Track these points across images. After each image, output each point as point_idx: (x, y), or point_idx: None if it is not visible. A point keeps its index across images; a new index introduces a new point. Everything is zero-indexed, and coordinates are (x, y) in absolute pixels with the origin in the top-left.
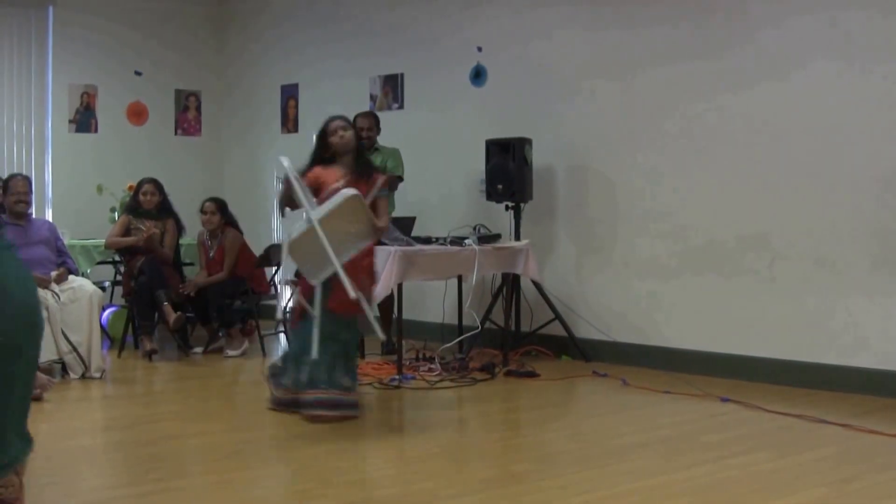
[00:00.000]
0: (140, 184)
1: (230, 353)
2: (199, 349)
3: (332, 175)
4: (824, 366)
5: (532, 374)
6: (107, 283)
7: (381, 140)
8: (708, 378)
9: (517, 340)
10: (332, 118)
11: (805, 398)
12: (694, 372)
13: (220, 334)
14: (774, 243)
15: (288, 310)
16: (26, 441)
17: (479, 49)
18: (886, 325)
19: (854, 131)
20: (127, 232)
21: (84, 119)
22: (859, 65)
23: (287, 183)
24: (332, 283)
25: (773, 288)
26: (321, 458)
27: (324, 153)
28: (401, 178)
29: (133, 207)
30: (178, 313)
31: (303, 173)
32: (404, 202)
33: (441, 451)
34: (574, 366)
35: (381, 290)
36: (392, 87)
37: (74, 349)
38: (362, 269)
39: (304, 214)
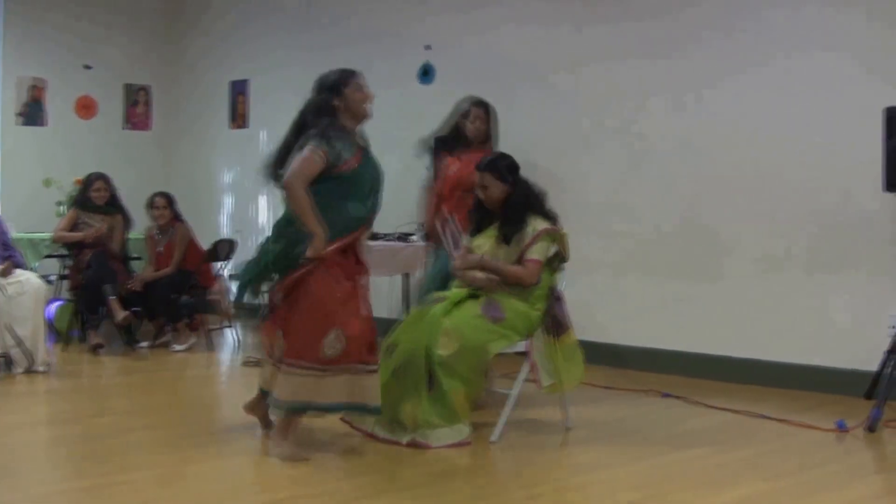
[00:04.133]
0: (90, 180)
1: (177, 347)
2: (145, 344)
3: None
4: (764, 362)
5: None
6: (53, 277)
7: None
8: (649, 374)
9: None
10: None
11: (745, 394)
12: (636, 368)
13: (167, 329)
14: (719, 241)
15: None
16: None
17: (428, 47)
18: (826, 323)
19: (796, 131)
20: (75, 226)
21: (32, 112)
22: (804, 65)
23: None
24: None
25: (716, 285)
26: (268, 452)
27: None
28: None
29: (81, 201)
30: (127, 313)
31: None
32: None
33: (383, 446)
34: (518, 361)
35: None
36: None
37: (20, 343)
38: None
39: None
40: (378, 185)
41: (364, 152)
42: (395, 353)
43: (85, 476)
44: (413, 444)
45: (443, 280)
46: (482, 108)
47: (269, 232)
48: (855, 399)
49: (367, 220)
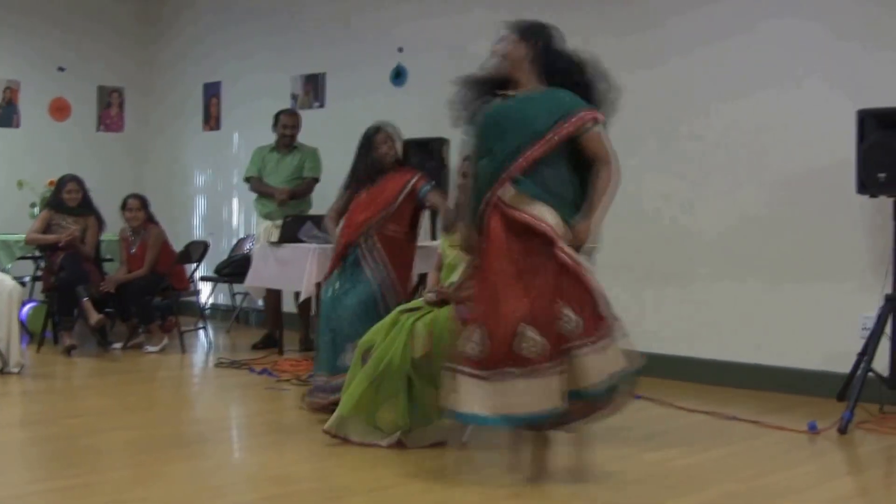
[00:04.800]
0: (63, 181)
1: (149, 348)
2: (118, 345)
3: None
4: (735, 364)
5: None
6: (27, 279)
7: (302, 138)
8: None
9: None
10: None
11: (717, 395)
12: None
13: (140, 330)
14: (691, 243)
15: None
16: None
17: (401, 50)
18: (798, 325)
19: (769, 133)
20: (48, 228)
21: (6, 114)
22: (777, 68)
23: None
24: None
25: (688, 287)
26: (240, 453)
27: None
28: (317, 180)
29: (54, 203)
30: (101, 316)
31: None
32: (323, 201)
33: (357, 447)
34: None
35: (304, 291)
36: (313, 86)
37: None
38: None
39: None
40: (504, 125)
41: (503, 101)
42: (371, 360)
43: (59, 477)
44: (394, 446)
45: (365, 310)
46: (384, 133)
47: (243, 233)
48: (827, 400)
49: (496, 175)
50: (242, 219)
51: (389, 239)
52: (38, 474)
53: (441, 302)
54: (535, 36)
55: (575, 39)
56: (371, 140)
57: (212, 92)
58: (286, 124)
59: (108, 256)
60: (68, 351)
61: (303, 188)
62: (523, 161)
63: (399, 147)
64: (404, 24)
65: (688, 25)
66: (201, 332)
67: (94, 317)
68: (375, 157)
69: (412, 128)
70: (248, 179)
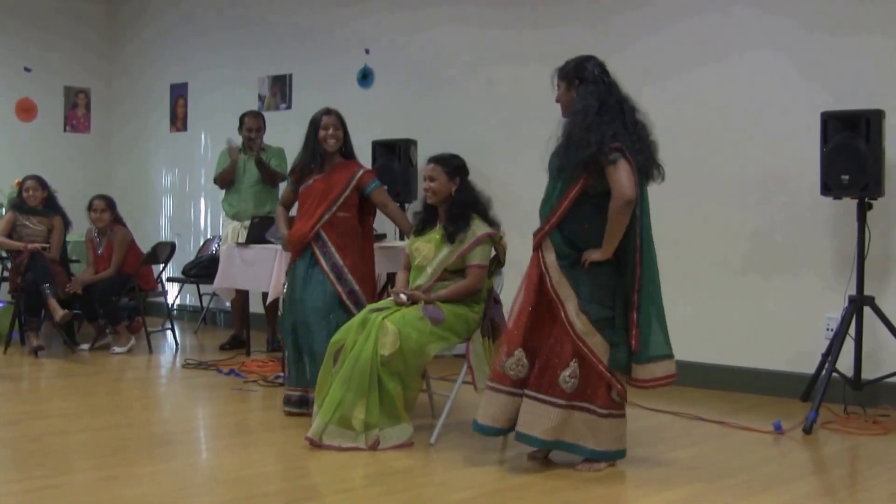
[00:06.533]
0: (23, 181)
1: (116, 349)
2: (85, 346)
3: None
4: (701, 364)
5: None
6: None
7: (269, 140)
8: None
9: None
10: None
11: (682, 396)
12: None
13: (107, 331)
14: (656, 243)
15: None
16: None
17: (367, 52)
18: (764, 326)
19: (734, 135)
20: (13, 229)
21: None
22: (741, 69)
23: None
24: None
25: None
26: (208, 454)
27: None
28: (283, 177)
29: (18, 204)
30: (65, 311)
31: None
32: None
33: (327, 449)
34: (456, 363)
35: (272, 292)
36: (280, 88)
37: None
38: None
39: None
40: (550, 173)
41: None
42: (341, 359)
43: (24, 478)
44: (373, 447)
45: (329, 301)
46: (334, 116)
47: (210, 234)
48: (792, 401)
49: (540, 216)
50: (209, 219)
51: (338, 220)
52: (4, 476)
53: (411, 303)
54: (570, 76)
55: (541, 31)
56: (317, 123)
57: (179, 93)
58: (250, 127)
59: (75, 258)
60: (35, 352)
61: (269, 171)
62: (554, 219)
63: (343, 136)
64: (371, 25)
65: (643, 23)
66: (168, 333)
67: (59, 313)
68: (318, 140)
69: (379, 129)
70: (216, 181)
